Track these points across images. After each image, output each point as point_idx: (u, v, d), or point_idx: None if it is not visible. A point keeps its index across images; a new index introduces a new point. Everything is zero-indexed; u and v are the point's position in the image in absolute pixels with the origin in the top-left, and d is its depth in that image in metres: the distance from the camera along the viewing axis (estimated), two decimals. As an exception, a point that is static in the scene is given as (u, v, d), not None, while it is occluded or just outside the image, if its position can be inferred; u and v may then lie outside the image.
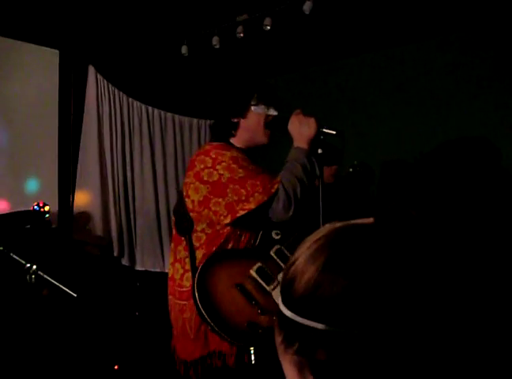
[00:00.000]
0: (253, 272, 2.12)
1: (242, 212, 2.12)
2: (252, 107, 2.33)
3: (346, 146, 2.13)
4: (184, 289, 2.25)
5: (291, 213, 2.14)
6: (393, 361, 0.59)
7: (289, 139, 2.27)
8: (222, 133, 2.38)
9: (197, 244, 2.27)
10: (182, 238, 2.33)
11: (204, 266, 2.13)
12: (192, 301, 2.10)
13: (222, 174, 2.16)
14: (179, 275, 2.29)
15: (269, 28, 4.23)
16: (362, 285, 0.60)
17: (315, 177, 2.26)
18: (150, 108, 5.03)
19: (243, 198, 2.12)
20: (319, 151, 2.25)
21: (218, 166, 2.18)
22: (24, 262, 2.77)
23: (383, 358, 0.59)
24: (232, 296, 2.09)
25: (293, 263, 0.71)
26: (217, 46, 4.51)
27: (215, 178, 2.17)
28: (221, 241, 2.23)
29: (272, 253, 2.21)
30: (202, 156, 2.25)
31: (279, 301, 0.71)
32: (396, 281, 0.59)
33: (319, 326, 0.62)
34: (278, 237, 2.27)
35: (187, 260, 2.28)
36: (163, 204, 5.01)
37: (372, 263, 0.61)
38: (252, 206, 2.11)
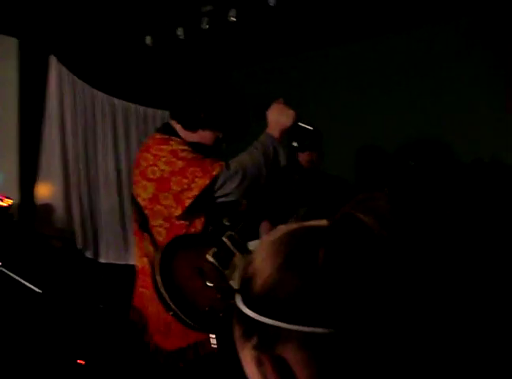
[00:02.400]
0: (209, 257, 2.14)
1: (189, 201, 2.15)
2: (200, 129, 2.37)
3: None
4: None
5: (232, 189, 2.18)
6: (349, 356, 0.63)
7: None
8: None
9: (160, 238, 2.29)
10: (146, 234, 2.34)
11: (163, 253, 2.14)
12: None
13: (163, 170, 2.19)
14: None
15: (234, 19, 4.22)
16: (314, 285, 0.64)
17: (277, 164, 2.30)
18: (114, 99, 4.96)
19: (185, 187, 2.15)
20: (294, 144, 2.29)
21: (158, 162, 2.20)
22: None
23: (339, 353, 0.63)
24: (193, 280, 2.10)
25: (251, 262, 0.74)
26: (182, 37, 4.48)
27: (158, 175, 2.20)
28: (181, 233, 2.26)
29: (224, 239, 2.23)
30: (145, 153, 2.28)
31: (238, 298, 0.73)
32: (344, 282, 0.63)
33: (276, 323, 0.65)
34: (228, 224, 2.30)
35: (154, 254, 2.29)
36: (127, 197, 4.95)
37: (323, 265, 0.64)
38: (195, 192, 2.14)
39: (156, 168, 2.20)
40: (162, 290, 2.05)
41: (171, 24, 4.46)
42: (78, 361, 3.70)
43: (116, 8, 4.29)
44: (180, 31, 4.44)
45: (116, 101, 4.98)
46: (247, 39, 4.50)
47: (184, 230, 2.26)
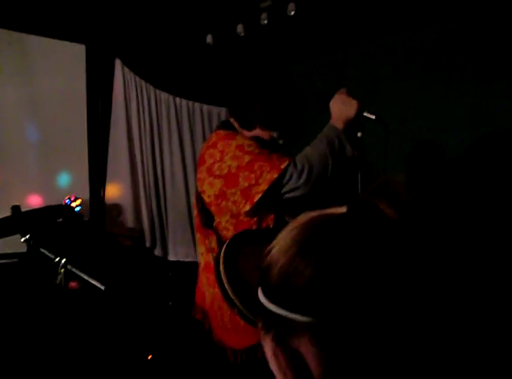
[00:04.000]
0: None
1: (258, 196, 2.11)
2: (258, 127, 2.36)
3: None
4: None
5: (300, 182, 2.13)
6: (356, 349, 0.59)
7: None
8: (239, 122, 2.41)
9: (227, 234, 2.27)
10: (210, 230, 2.33)
11: (227, 247, 2.11)
12: None
13: (230, 165, 2.16)
14: None
15: (293, 13, 4.18)
16: (328, 275, 0.61)
17: (344, 158, 2.25)
18: (178, 99, 5.04)
19: (253, 182, 2.11)
20: (358, 134, 2.24)
21: (225, 158, 2.18)
22: (53, 256, 2.82)
23: (350, 345, 0.59)
24: (256, 277, 2.05)
25: (269, 251, 0.72)
26: (242, 34, 4.49)
27: (225, 171, 2.17)
28: (249, 229, 2.22)
29: None
30: (211, 150, 2.26)
31: (259, 289, 0.73)
32: (358, 273, 0.59)
33: (291, 315, 0.63)
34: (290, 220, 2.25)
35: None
36: (194, 195, 5.01)
37: (338, 254, 0.61)
38: (264, 187, 2.09)
39: (223, 164, 2.18)
40: (226, 285, 2.03)
41: (231, 21, 4.47)
42: (148, 356, 3.78)
43: (177, 8, 4.36)
44: (240, 29, 4.45)
45: (180, 101, 5.05)
46: (307, 32, 4.46)
47: (253, 227, 2.23)
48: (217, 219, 2.29)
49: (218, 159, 2.20)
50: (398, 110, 4.12)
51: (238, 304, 2.01)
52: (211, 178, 2.23)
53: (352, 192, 2.21)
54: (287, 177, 2.13)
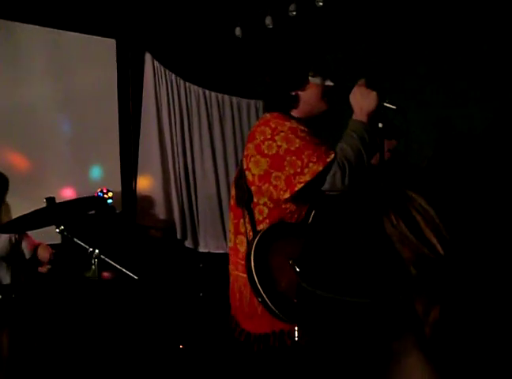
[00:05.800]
0: None
1: (299, 185, 2.08)
2: (310, 78, 2.30)
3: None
4: None
5: (345, 183, 2.10)
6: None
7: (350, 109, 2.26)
8: (280, 106, 2.34)
9: (260, 217, 2.24)
10: (245, 211, 2.30)
11: (261, 238, 2.09)
12: None
13: (280, 146, 2.12)
14: (244, 247, 2.26)
15: (321, 4, 4.17)
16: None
17: (374, 150, 2.24)
18: (207, 91, 5.06)
19: (299, 170, 2.07)
20: (380, 125, 2.23)
21: (277, 137, 2.14)
22: (87, 247, 2.89)
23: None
24: (286, 271, 2.01)
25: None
26: (270, 26, 4.49)
27: (274, 151, 2.13)
28: (284, 216, 2.21)
29: None
30: (262, 127, 2.22)
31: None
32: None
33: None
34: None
35: (251, 233, 2.24)
36: (224, 186, 5.06)
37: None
38: (308, 178, 2.06)
39: (273, 143, 2.14)
40: (254, 275, 2.02)
41: (259, 13, 4.47)
42: (180, 346, 3.83)
43: (205, 1, 4.38)
44: (268, 20, 4.45)
45: (210, 93, 5.09)
46: (336, 23, 4.44)
47: (288, 215, 2.21)
48: (255, 200, 2.25)
49: (269, 136, 2.16)
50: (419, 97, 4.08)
51: (263, 294, 2.03)
52: (258, 156, 2.19)
53: (375, 181, 2.20)
54: (331, 172, 2.10)
